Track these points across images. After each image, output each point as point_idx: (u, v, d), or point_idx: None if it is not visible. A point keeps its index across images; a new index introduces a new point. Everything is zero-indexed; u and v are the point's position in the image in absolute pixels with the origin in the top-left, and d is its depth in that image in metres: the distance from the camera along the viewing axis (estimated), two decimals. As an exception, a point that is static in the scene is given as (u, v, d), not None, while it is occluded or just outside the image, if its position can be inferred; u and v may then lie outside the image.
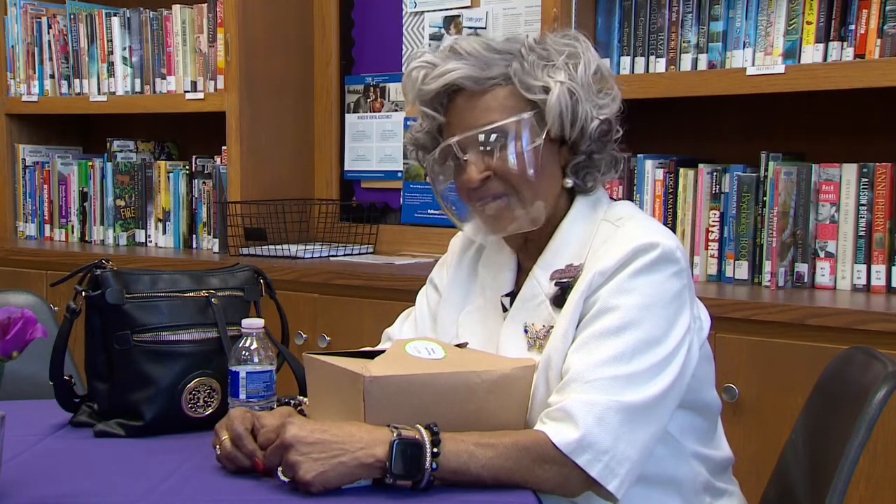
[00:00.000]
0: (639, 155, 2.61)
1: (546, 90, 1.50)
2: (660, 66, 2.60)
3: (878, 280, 2.32)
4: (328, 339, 2.80)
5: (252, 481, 1.34)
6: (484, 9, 3.16)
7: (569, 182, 1.56)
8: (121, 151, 3.67)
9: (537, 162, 1.51)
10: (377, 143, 3.41)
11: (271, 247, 3.20)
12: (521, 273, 1.61)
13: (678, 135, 2.76)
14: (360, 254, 3.25)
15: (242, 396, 1.52)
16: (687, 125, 2.76)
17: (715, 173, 2.51)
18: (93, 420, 1.62)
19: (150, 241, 3.56)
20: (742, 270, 2.46)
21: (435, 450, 1.28)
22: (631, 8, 2.64)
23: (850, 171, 2.35)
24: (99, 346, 1.62)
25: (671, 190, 2.58)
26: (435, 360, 1.40)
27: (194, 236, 3.46)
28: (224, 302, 1.66)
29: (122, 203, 3.60)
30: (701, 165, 2.53)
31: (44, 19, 3.76)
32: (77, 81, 3.69)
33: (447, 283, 1.68)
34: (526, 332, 1.52)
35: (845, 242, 2.35)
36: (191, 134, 3.74)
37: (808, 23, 2.38)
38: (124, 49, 3.56)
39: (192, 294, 1.65)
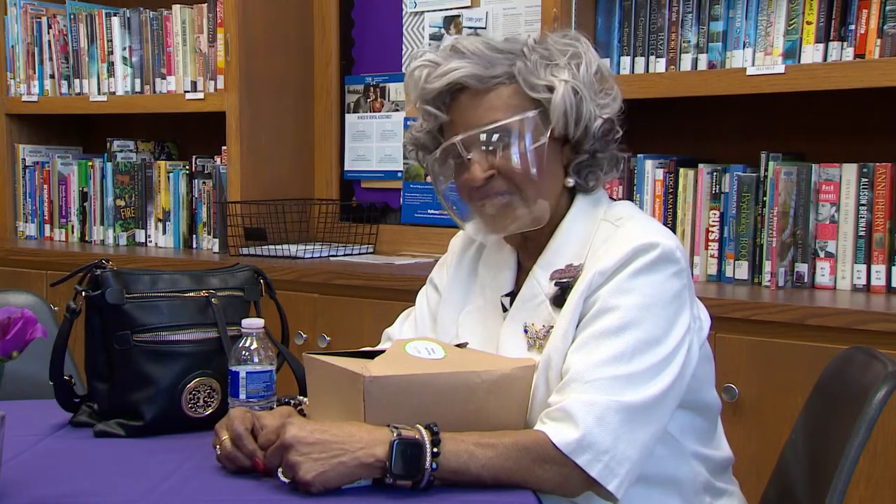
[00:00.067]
0: (639, 155, 2.61)
1: (550, 89, 1.50)
2: (660, 66, 2.60)
3: (878, 280, 2.32)
4: (328, 339, 2.80)
5: (252, 481, 1.34)
6: (484, 9, 3.16)
7: (570, 181, 1.56)
8: (121, 151, 3.67)
9: (541, 161, 1.51)
10: (377, 143, 3.41)
11: (271, 247, 3.20)
12: (521, 273, 1.61)
13: (678, 135, 2.76)
14: (360, 254, 3.25)
15: (242, 396, 1.52)
16: (687, 125, 2.76)
17: (715, 173, 2.51)
18: (93, 420, 1.62)
19: (150, 241, 3.56)
20: (742, 270, 2.46)
21: (435, 450, 1.28)
22: (631, 8, 2.64)
23: (850, 171, 2.35)
24: (99, 346, 1.62)
25: (671, 190, 2.58)
26: (435, 360, 1.40)
27: (194, 236, 3.46)
28: (224, 302, 1.66)
29: (122, 203, 3.60)
30: (701, 165, 2.53)
31: (44, 19, 3.76)
32: (77, 81, 3.69)
33: (447, 283, 1.68)
34: (526, 332, 1.52)
35: (845, 242, 2.35)
36: (191, 134, 3.74)
37: (808, 23, 2.38)
38: (124, 49, 3.56)
39: (192, 294, 1.65)
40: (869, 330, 2.04)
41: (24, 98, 3.77)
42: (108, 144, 3.66)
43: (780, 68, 2.37)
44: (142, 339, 1.60)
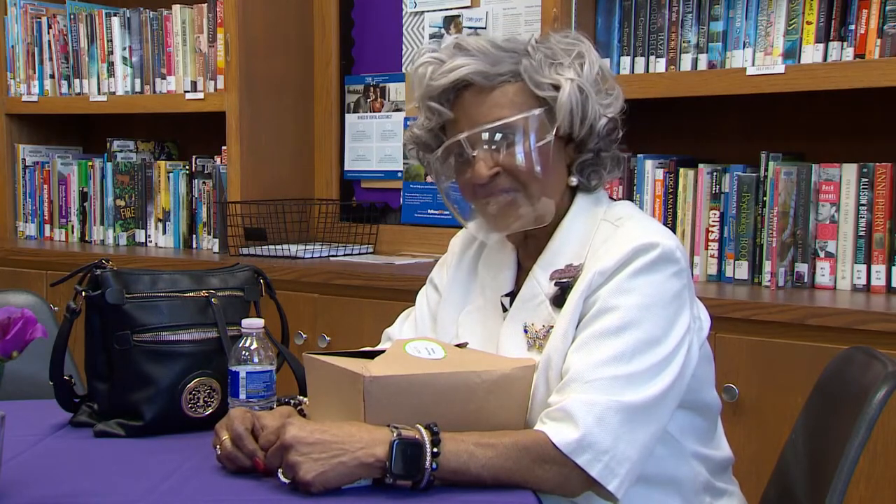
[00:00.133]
0: (639, 155, 2.61)
1: (555, 87, 1.50)
2: (660, 66, 2.60)
3: (878, 280, 2.32)
4: (328, 339, 2.80)
5: (252, 481, 1.34)
6: (484, 9, 3.16)
7: (573, 180, 1.56)
8: (121, 151, 3.67)
9: (546, 159, 1.51)
10: (377, 143, 3.41)
11: (271, 247, 3.20)
12: (521, 272, 1.61)
13: (678, 135, 2.76)
14: (360, 254, 3.25)
15: (242, 396, 1.52)
16: (687, 125, 2.76)
17: (715, 173, 2.51)
18: (93, 420, 1.62)
19: (150, 241, 3.56)
20: (742, 270, 2.46)
21: (435, 450, 1.28)
22: (631, 8, 2.64)
23: (850, 171, 2.35)
24: (99, 346, 1.62)
25: (671, 190, 2.58)
26: (435, 360, 1.40)
27: (194, 236, 3.46)
28: (224, 302, 1.66)
29: (122, 203, 3.60)
30: (701, 165, 2.53)
31: (44, 19, 3.76)
32: (77, 81, 3.69)
33: (447, 283, 1.68)
34: (526, 332, 1.52)
35: (845, 242, 2.35)
36: (191, 134, 3.74)
37: (808, 23, 2.38)
38: (124, 49, 3.56)
39: (192, 294, 1.65)
40: (869, 330, 2.04)
41: (24, 98, 3.77)
42: (108, 144, 3.66)
43: (780, 68, 2.37)
44: (142, 339, 1.60)
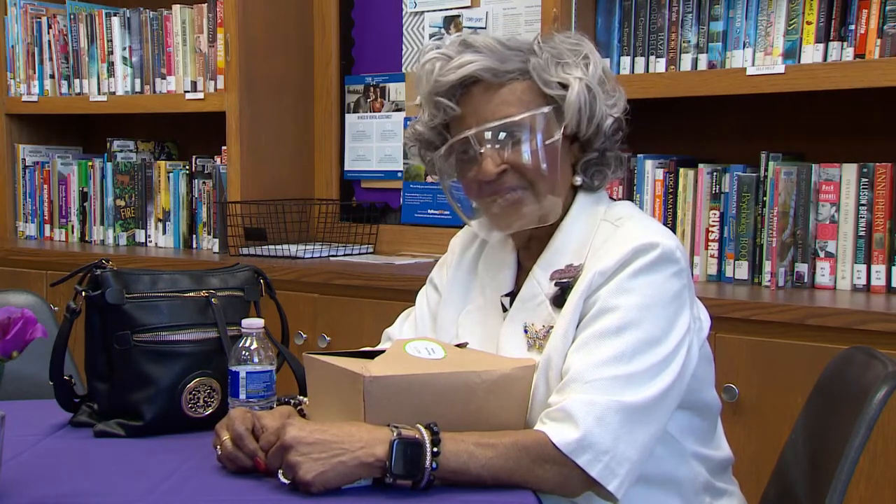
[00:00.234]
0: (639, 155, 2.61)
1: (563, 86, 1.51)
2: (660, 66, 2.60)
3: (878, 280, 2.32)
4: (328, 339, 2.80)
5: (252, 481, 1.34)
6: (484, 9, 3.16)
7: (578, 180, 1.56)
8: (121, 151, 3.67)
9: (554, 157, 1.51)
10: (377, 143, 3.41)
11: (271, 247, 3.20)
12: (521, 272, 1.61)
13: (678, 135, 2.76)
14: (360, 254, 3.25)
15: (242, 396, 1.52)
16: (687, 125, 2.76)
17: (715, 173, 2.51)
18: (93, 420, 1.62)
19: (150, 241, 3.56)
20: (742, 270, 2.46)
21: (435, 449, 1.28)
22: (631, 8, 2.64)
23: (850, 171, 2.35)
24: (99, 346, 1.62)
25: (671, 190, 2.58)
26: (435, 360, 1.40)
27: (194, 236, 3.46)
28: (224, 302, 1.66)
29: (122, 203, 3.60)
30: (701, 165, 2.53)
31: (44, 19, 3.76)
32: (77, 81, 3.69)
33: (447, 283, 1.68)
34: (526, 332, 1.52)
35: (845, 242, 2.35)
36: (191, 134, 3.74)
37: (808, 23, 2.38)
38: (124, 49, 3.56)
39: (192, 294, 1.65)
40: (869, 330, 2.04)
41: (24, 98, 3.77)
42: (108, 144, 3.66)
43: (780, 68, 2.37)
44: (142, 339, 1.60)
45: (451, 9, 3.22)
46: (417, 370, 1.36)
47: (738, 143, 2.70)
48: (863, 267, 2.33)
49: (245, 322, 1.55)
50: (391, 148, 3.38)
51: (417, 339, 1.47)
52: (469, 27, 3.17)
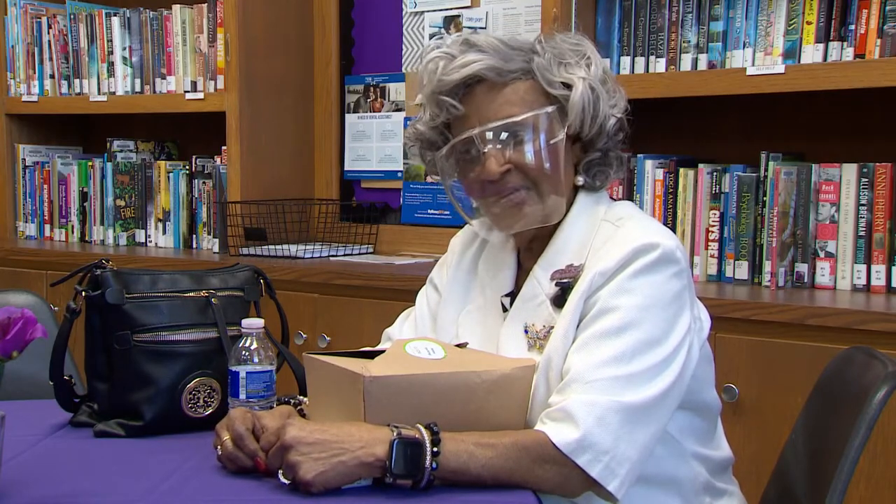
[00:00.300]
0: (639, 155, 2.61)
1: (566, 86, 1.51)
2: (660, 66, 2.60)
3: (878, 280, 2.32)
4: (328, 339, 2.80)
5: (253, 481, 1.34)
6: (484, 9, 3.16)
7: (580, 180, 1.56)
8: (121, 151, 3.67)
9: (557, 157, 1.51)
10: (377, 143, 3.41)
11: (271, 247, 3.20)
12: (521, 273, 1.61)
13: (678, 135, 2.76)
14: (360, 254, 3.25)
15: (242, 396, 1.52)
16: (687, 125, 2.76)
17: (715, 173, 2.51)
18: (93, 420, 1.62)
19: (150, 241, 3.56)
20: (742, 270, 2.46)
21: (435, 449, 1.28)
22: (631, 8, 2.64)
23: (850, 171, 2.35)
24: (99, 346, 1.62)
25: (671, 190, 2.58)
26: (435, 360, 1.40)
27: (194, 236, 3.46)
28: (224, 302, 1.66)
29: (122, 203, 3.60)
30: (701, 165, 2.53)
31: (44, 19, 3.76)
32: (77, 81, 3.69)
33: (447, 283, 1.68)
34: (526, 332, 1.52)
35: (845, 242, 2.35)
36: (191, 134, 3.74)
37: (808, 23, 2.38)
38: (124, 49, 3.56)
39: (192, 294, 1.65)
40: (869, 330, 2.04)
41: (24, 98, 3.77)
42: (108, 144, 3.66)
43: (780, 68, 2.37)
44: (142, 339, 1.60)
45: (451, 9, 3.22)
46: (417, 370, 1.36)
47: (738, 143, 2.70)
48: (863, 267, 2.34)
49: (245, 322, 1.55)
50: (391, 148, 3.38)
51: (417, 339, 1.47)
52: (469, 27, 3.17)
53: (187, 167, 3.49)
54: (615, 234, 1.50)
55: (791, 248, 2.41)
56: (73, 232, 3.75)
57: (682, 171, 2.56)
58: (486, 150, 1.51)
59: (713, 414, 1.59)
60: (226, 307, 1.66)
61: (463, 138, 1.53)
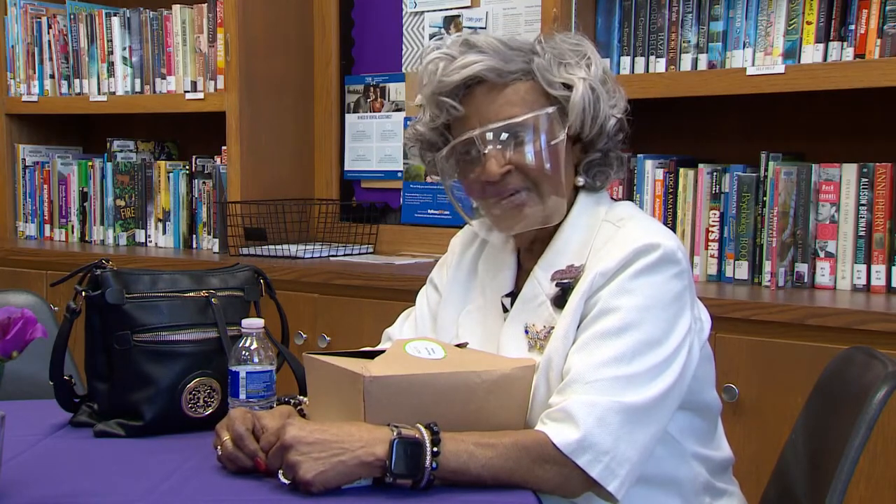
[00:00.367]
0: (639, 155, 2.61)
1: (567, 87, 1.51)
2: (660, 66, 2.60)
3: (878, 280, 2.32)
4: (328, 339, 2.80)
5: (253, 481, 1.34)
6: (484, 9, 3.16)
7: (581, 180, 1.56)
8: (121, 151, 3.67)
9: (558, 158, 1.51)
10: (377, 143, 3.41)
11: (271, 247, 3.20)
12: (521, 273, 1.61)
13: (678, 135, 2.76)
14: (360, 254, 3.25)
15: (242, 396, 1.52)
16: (687, 125, 2.76)
17: (715, 173, 2.51)
18: (93, 420, 1.62)
19: (150, 241, 3.56)
20: (742, 270, 2.46)
21: (435, 449, 1.28)
22: (631, 8, 2.64)
23: (850, 171, 2.35)
24: (99, 346, 1.62)
25: (671, 190, 2.58)
26: (435, 360, 1.40)
27: (194, 236, 3.46)
28: (224, 302, 1.66)
29: (122, 203, 3.60)
30: (701, 165, 2.53)
31: (44, 19, 3.76)
32: (77, 81, 3.69)
33: (447, 283, 1.68)
34: (527, 332, 1.52)
35: (845, 242, 2.35)
36: (191, 134, 3.74)
37: (808, 23, 2.38)
38: (124, 49, 3.56)
39: (192, 294, 1.65)
40: (869, 330, 2.04)
41: (24, 98, 3.77)
42: (108, 144, 3.66)
43: (780, 68, 2.37)
44: (142, 339, 1.60)
45: (451, 9, 3.22)
46: (417, 370, 1.36)
47: (738, 143, 2.70)
48: (863, 267, 2.34)
49: (245, 322, 1.55)
50: (391, 148, 3.38)
51: (417, 339, 1.47)
52: (469, 27, 3.17)
53: (187, 167, 3.49)
54: (616, 235, 1.50)
55: (791, 248, 2.41)
56: (73, 232, 3.75)
57: (682, 171, 2.56)
58: (486, 152, 1.51)
59: (713, 414, 1.59)
60: (226, 307, 1.66)
61: (463, 139, 1.52)
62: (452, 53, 1.53)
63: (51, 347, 1.61)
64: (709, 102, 2.61)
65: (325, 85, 3.47)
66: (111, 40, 3.58)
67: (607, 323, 1.41)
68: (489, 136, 1.50)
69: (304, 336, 2.84)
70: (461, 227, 1.76)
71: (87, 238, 3.72)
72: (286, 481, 1.29)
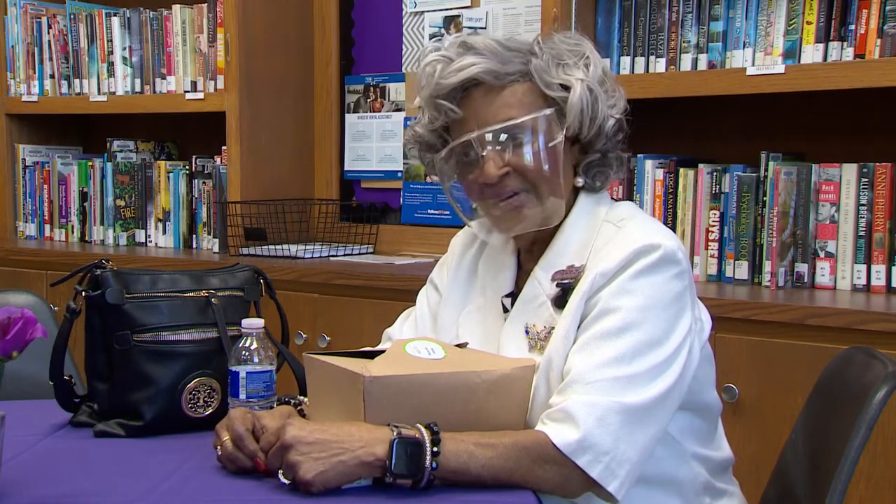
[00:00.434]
0: (639, 155, 2.61)
1: (565, 88, 1.50)
2: (660, 66, 2.60)
3: (878, 280, 2.32)
4: (328, 339, 2.80)
5: (252, 481, 1.34)
6: (484, 9, 3.16)
7: (580, 181, 1.56)
8: (121, 151, 3.67)
9: (556, 159, 1.51)
10: (377, 143, 3.41)
11: (271, 247, 3.20)
12: (521, 273, 1.61)
13: (678, 135, 2.76)
14: (360, 254, 3.25)
15: (242, 396, 1.52)
16: (687, 125, 2.76)
17: (715, 173, 2.51)
18: (93, 420, 1.62)
19: (150, 241, 3.56)
20: (742, 270, 2.46)
21: (435, 449, 1.28)
22: (631, 8, 2.64)
23: (850, 171, 2.35)
24: (99, 346, 1.62)
25: (671, 190, 2.58)
26: (435, 360, 1.40)
27: (194, 236, 3.46)
28: (224, 302, 1.66)
29: (122, 203, 3.60)
30: (701, 165, 2.53)
31: (44, 19, 3.76)
32: (77, 81, 3.69)
33: (447, 283, 1.68)
34: (527, 333, 1.52)
35: (845, 242, 2.35)
36: (191, 134, 3.74)
37: (808, 23, 2.38)
38: (124, 49, 3.56)
39: (192, 294, 1.65)
40: (869, 330, 2.04)
41: (24, 98, 3.77)
42: (108, 144, 3.66)
43: (780, 68, 2.37)
44: (142, 339, 1.60)
45: (451, 9, 3.22)
46: (417, 370, 1.36)
47: (738, 143, 2.70)
48: (863, 267, 2.34)
49: (245, 322, 1.55)
50: (391, 148, 3.38)
51: (417, 339, 1.47)
52: (469, 27, 3.17)
53: (187, 167, 3.49)
54: (616, 235, 1.50)
55: (791, 248, 2.41)
56: (73, 232, 3.75)
57: (682, 171, 2.56)
58: (484, 154, 1.51)
59: (714, 414, 1.59)
60: (226, 307, 1.66)
61: (460, 142, 1.52)
62: (450, 56, 1.53)
63: (51, 347, 1.61)
64: (709, 102, 2.61)
65: (325, 85, 3.47)
66: (111, 40, 3.58)
67: (608, 323, 1.41)
68: (487, 137, 1.50)
69: (304, 336, 2.84)
70: (461, 228, 1.76)
71: (87, 238, 3.72)
72: (286, 481, 1.29)
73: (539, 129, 1.50)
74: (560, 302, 1.49)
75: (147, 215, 3.56)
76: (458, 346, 1.51)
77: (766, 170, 2.42)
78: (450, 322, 1.64)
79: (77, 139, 4.02)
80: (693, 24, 2.55)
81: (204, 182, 3.42)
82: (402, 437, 1.27)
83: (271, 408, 1.52)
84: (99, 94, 3.61)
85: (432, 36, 3.25)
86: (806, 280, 2.40)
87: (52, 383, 1.62)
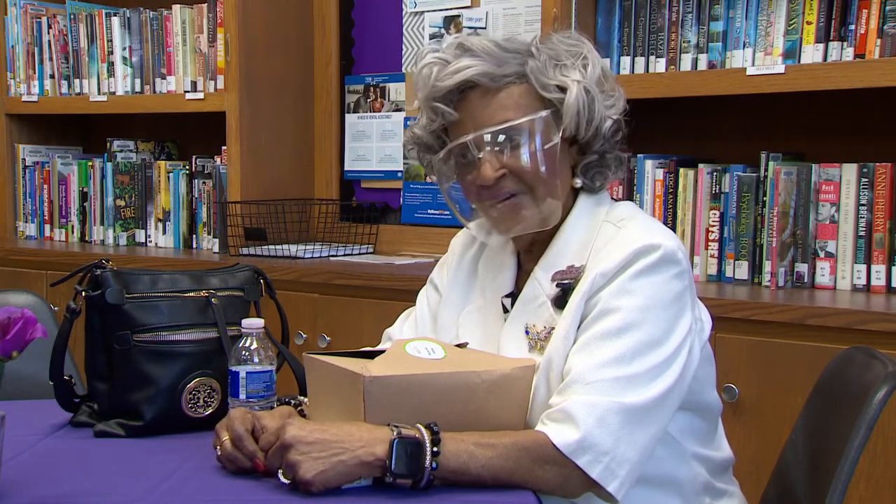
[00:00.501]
0: (639, 155, 2.61)
1: (561, 89, 1.50)
2: (660, 66, 2.60)
3: (878, 280, 2.32)
4: (328, 339, 2.80)
5: (252, 481, 1.34)
6: (484, 9, 3.16)
7: (578, 182, 1.56)
8: (121, 151, 3.67)
9: (553, 161, 1.51)
10: (377, 143, 3.41)
11: (271, 247, 3.20)
12: (521, 273, 1.61)
13: (678, 135, 2.76)
14: (360, 254, 3.25)
15: (242, 396, 1.52)
16: (687, 125, 2.76)
17: (715, 173, 2.51)
18: (93, 420, 1.62)
19: (150, 241, 3.56)
20: (742, 270, 2.46)
21: (435, 449, 1.28)
22: (631, 8, 2.64)
23: (850, 171, 2.35)
24: (99, 346, 1.62)
25: (671, 190, 2.58)
26: (435, 360, 1.40)
27: (194, 236, 3.46)
28: (224, 302, 1.66)
29: (122, 203, 3.60)
30: (701, 165, 2.53)
31: (44, 19, 3.76)
32: (77, 81, 3.69)
33: (447, 284, 1.68)
34: (527, 333, 1.52)
35: (845, 242, 2.35)
36: (191, 134, 3.74)
37: (808, 23, 2.38)
38: (124, 49, 3.56)
39: (192, 294, 1.65)
40: (869, 330, 2.04)
41: (24, 98, 3.77)
42: (108, 144, 3.66)
43: (780, 68, 2.37)
44: (142, 339, 1.60)
45: (451, 9, 3.22)
46: (417, 370, 1.36)
47: (738, 143, 2.70)
48: (863, 267, 2.34)
49: (245, 322, 1.55)
50: (391, 148, 3.38)
51: (417, 339, 1.47)
52: (469, 27, 3.17)
53: (187, 167, 3.49)
54: (616, 235, 1.50)
55: (791, 248, 2.41)
56: (73, 232, 3.75)
57: (682, 171, 2.56)
58: (480, 156, 1.51)
59: (714, 415, 1.59)
60: (226, 307, 1.66)
61: (457, 144, 1.52)
62: (446, 58, 1.52)
63: (51, 347, 1.61)
64: (709, 102, 2.61)
65: (325, 85, 3.47)
66: (111, 40, 3.58)
67: (608, 323, 1.41)
68: (484, 139, 1.50)
69: (304, 336, 2.84)
70: (461, 228, 1.76)
71: (87, 238, 3.72)
72: (286, 481, 1.29)
73: (535, 130, 1.50)
74: (560, 302, 1.49)
75: (147, 215, 3.56)
76: (458, 346, 1.51)
77: (766, 170, 2.42)
78: (450, 322, 1.64)
79: (77, 139, 4.02)
80: (693, 24, 2.55)
81: (204, 182, 3.42)
82: (402, 436, 1.27)
83: (271, 408, 1.52)
84: (99, 94, 3.61)
85: (432, 36, 3.25)
86: (806, 280, 2.40)
87: (52, 383, 1.62)
